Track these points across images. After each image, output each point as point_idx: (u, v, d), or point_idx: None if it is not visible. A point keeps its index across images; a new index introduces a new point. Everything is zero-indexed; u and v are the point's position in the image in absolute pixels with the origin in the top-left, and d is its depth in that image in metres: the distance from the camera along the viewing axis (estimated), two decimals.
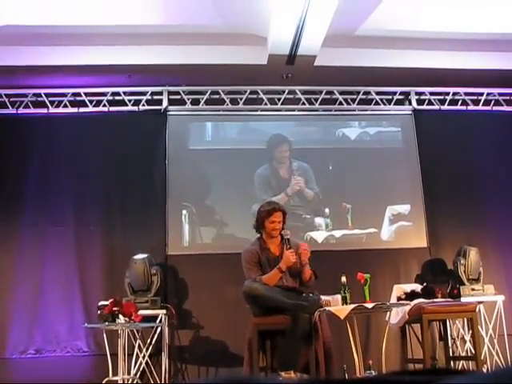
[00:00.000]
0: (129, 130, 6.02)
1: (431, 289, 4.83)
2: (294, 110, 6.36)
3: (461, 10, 5.17)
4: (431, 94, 6.40)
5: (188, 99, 6.18)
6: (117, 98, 6.09)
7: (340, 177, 6.20)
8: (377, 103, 6.38)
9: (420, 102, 6.41)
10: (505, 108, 6.46)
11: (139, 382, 4.88)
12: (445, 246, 5.89)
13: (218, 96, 6.22)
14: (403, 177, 6.27)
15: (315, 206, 6.03)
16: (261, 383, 0.76)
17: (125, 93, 6.08)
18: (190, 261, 5.65)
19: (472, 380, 0.60)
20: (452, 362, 5.03)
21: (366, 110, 6.42)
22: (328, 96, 6.33)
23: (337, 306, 3.97)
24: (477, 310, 4.62)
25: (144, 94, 6.11)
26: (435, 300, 4.64)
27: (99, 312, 4.50)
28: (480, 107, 6.42)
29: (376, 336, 5.28)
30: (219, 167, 6.10)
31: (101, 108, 6.04)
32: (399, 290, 4.85)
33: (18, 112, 5.97)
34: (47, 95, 5.99)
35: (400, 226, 6.04)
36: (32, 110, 5.99)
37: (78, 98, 6.04)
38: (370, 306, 3.92)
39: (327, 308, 3.93)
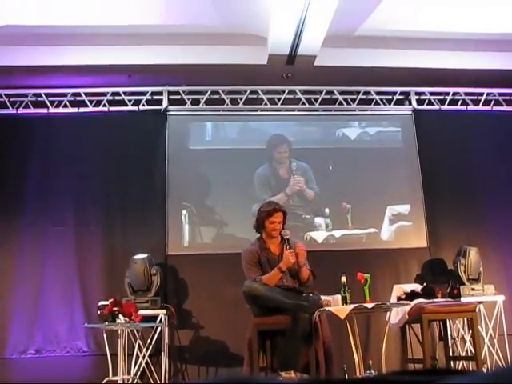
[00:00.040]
0: (129, 130, 6.02)
1: (431, 289, 4.83)
2: (293, 110, 6.36)
3: (461, 9, 5.17)
4: (431, 93, 6.40)
5: (188, 99, 6.18)
6: (117, 98, 6.09)
7: (340, 177, 6.20)
8: (377, 103, 6.38)
9: (420, 101, 6.41)
10: (505, 108, 6.46)
11: (139, 382, 4.88)
12: (445, 246, 5.89)
13: (218, 96, 6.22)
14: (403, 177, 6.27)
15: (315, 205, 6.03)
16: (261, 383, 0.76)
17: (125, 93, 6.08)
18: (190, 261, 5.65)
19: (472, 380, 0.60)
20: (452, 362, 5.03)
21: (366, 110, 6.42)
22: (328, 96, 6.33)
23: (337, 305, 3.97)
24: (477, 309, 4.62)
25: (144, 93, 6.11)
26: (435, 300, 4.64)
27: (99, 312, 4.50)
28: (480, 107, 6.42)
29: (376, 336, 5.28)
30: (219, 167, 6.10)
31: (101, 108, 6.05)
32: (399, 289, 4.85)
33: (18, 112, 5.97)
34: (47, 95, 5.99)
35: (400, 225, 6.04)
36: (32, 110, 5.99)
37: (78, 98, 6.04)
38: (370, 306, 3.92)
39: (327, 308, 3.93)
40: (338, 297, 4.02)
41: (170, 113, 6.13)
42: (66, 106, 6.02)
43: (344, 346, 4.44)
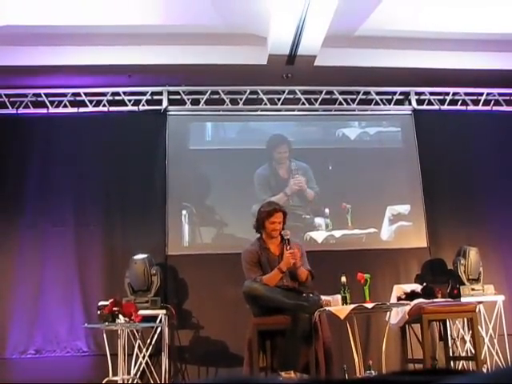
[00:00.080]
0: (129, 130, 6.01)
1: (431, 289, 4.83)
2: (293, 110, 6.36)
3: (461, 9, 5.17)
4: (431, 94, 6.40)
5: (188, 99, 6.18)
6: (117, 98, 6.09)
7: (340, 177, 6.20)
8: (377, 103, 6.38)
9: (420, 102, 6.41)
10: (505, 108, 6.46)
11: (139, 382, 4.88)
12: (445, 246, 5.89)
13: (217, 96, 6.22)
14: (403, 177, 6.27)
15: (315, 206, 6.03)
16: (261, 383, 0.76)
17: (125, 93, 6.08)
18: (190, 261, 5.65)
19: (472, 380, 0.60)
20: (452, 362, 5.03)
21: (366, 110, 6.42)
22: (328, 96, 6.33)
23: (337, 306, 3.97)
24: (477, 310, 4.62)
25: (144, 94, 6.11)
26: (435, 300, 4.64)
27: (99, 312, 4.50)
28: (480, 107, 6.42)
29: (376, 336, 5.28)
30: (219, 167, 6.10)
31: (101, 108, 6.04)
32: (399, 290, 4.85)
33: (18, 112, 5.96)
34: (47, 95, 5.99)
35: (400, 226, 6.04)
36: (32, 110, 5.99)
37: (78, 98, 6.04)
38: (369, 306, 3.92)
39: (327, 308, 3.93)
40: (338, 297, 4.02)
41: (169, 113, 6.13)
42: (65, 106, 6.02)
43: (344, 346, 4.44)
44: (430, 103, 6.41)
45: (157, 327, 5.09)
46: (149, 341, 5.12)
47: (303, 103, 6.30)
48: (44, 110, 5.98)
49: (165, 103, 6.09)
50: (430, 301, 4.55)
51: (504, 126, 6.34)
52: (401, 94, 6.39)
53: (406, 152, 6.34)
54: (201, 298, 5.55)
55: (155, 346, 5.14)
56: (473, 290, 5.25)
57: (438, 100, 6.42)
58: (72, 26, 5.12)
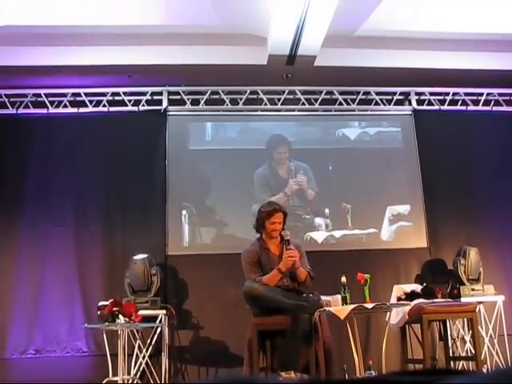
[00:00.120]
0: (129, 131, 6.01)
1: (431, 289, 4.83)
2: (293, 111, 6.36)
3: (461, 9, 5.17)
4: (431, 94, 6.40)
5: (188, 99, 6.19)
6: (117, 98, 6.09)
7: (340, 177, 6.20)
8: (377, 103, 6.38)
9: (420, 102, 6.41)
10: (505, 108, 6.46)
11: (139, 382, 4.88)
12: (445, 246, 5.89)
13: (217, 96, 6.22)
14: (403, 177, 6.27)
15: (315, 206, 6.03)
16: (261, 383, 0.76)
17: (125, 93, 6.08)
18: (190, 261, 5.65)
19: (472, 380, 0.60)
20: (452, 363, 5.03)
21: (366, 111, 6.42)
22: (328, 96, 6.33)
23: (337, 306, 3.96)
24: (477, 310, 4.61)
25: (144, 94, 6.11)
26: (435, 300, 4.64)
27: (99, 312, 4.50)
28: (480, 107, 6.42)
29: (376, 336, 5.28)
30: (219, 167, 6.10)
31: (101, 108, 6.04)
32: (399, 290, 4.85)
33: (18, 112, 5.96)
34: (47, 95, 5.99)
35: (400, 226, 6.04)
36: (32, 110, 5.99)
37: (78, 99, 6.04)
38: (370, 306, 3.92)
39: (327, 308, 3.93)
40: (338, 297, 4.02)
41: (169, 113, 6.13)
42: (65, 106, 6.02)
43: (344, 347, 4.44)
44: (430, 103, 6.41)
45: (157, 327, 5.09)
46: (149, 341, 5.12)
47: (303, 103, 6.30)
48: (44, 110, 5.98)
49: (165, 103, 6.09)
50: (430, 301, 4.55)
51: (504, 126, 6.34)
52: (401, 94, 6.39)
53: (406, 152, 6.34)
54: (201, 298, 5.55)
55: (155, 346, 5.14)
56: (473, 290, 5.25)
57: (438, 100, 6.42)
58: (72, 26, 5.12)
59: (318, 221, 5.98)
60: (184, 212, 5.89)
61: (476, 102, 6.44)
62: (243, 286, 4.02)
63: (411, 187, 6.17)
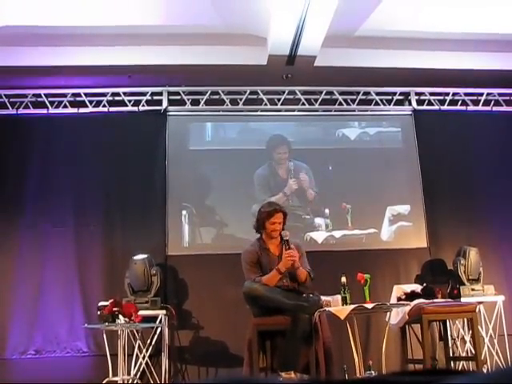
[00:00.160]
0: (129, 131, 6.01)
1: (431, 289, 4.83)
2: (293, 111, 6.36)
3: (461, 9, 5.17)
4: (431, 94, 6.40)
5: (188, 99, 6.18)
6: (117, 98, 6.09)
7: (340, 177, 6.20)
8: (377, 103, 6.38)
9: (420, 102, 6.41)
10: (505, 108, 6.46)
11: (139, 382, 4.88)
12: (445, 247, 5.88)
13: (217, 96, 6.22)
14: (403, 177, 6.27)
15: (315, 206, 6.03)
16: (261, 383, 0.76)
17: (125, 93, 6.08)
18: (190, 261, 5.65)
19: (472, 380, 0.60)
20: (452, 363, 5.03)
21: (366, 111, 6.42)
22: (328, 96, 6.33)
23: (337, 306, 3.97)
24: (477, 310, 4.61)
25: (144, 94, 6.11)
26: (435, 300, 4.64)
27: (99, 312, 4.50)
28: (480, 107, 6.42)
29: (376, 336, 5.28)
30: (219, 167, 6.10)
31: (101, 108, 6.04)
32: (399, 290, 4.85)
33: (18, 112, 5.96)
34: (47, 96, 5.99)
35: (400, 226, 6.04)
36: (32, 111, 5.99)
37: (78, 99, 6.04)
38: (370, 306, 3.92)
39: (327, 308, 3.93)
40: (338, 297, 4.02)
41: (169, 113, 6.13)
42: (65, 106, 6.02)
43: (344, 347, 4.43)
44: (430, 103, 6.41)
45: (157, 327, 5.09)
46: (149, 341, 5.12)
47: (303, 103, 6.30)
48: (44, 111, 5.98)
49: (165, 103, 6.09)
50: (430, 301, 4.55)
51: (504, 126, 6.34)
52: (401, 94, 6.39)
53: (406, 152, 6.34)
54: (201, 299, 5.55)
55: (155, 346, 5.14)
56: (473, 290, 5.25)
57: (438, 100, 6.42)
58: (72, 27, 5.12)
59: (318, 221, 5.98)
60: (184, 212, 5.89)
61: (476, 102, 6.44)
62: (243, 286, 4.02)
63: (411, 187, 6.17)
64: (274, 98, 6.29)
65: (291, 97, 6.30)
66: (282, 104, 6.29)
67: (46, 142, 5.90)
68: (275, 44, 5.32)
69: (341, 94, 6.33)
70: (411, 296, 4.68)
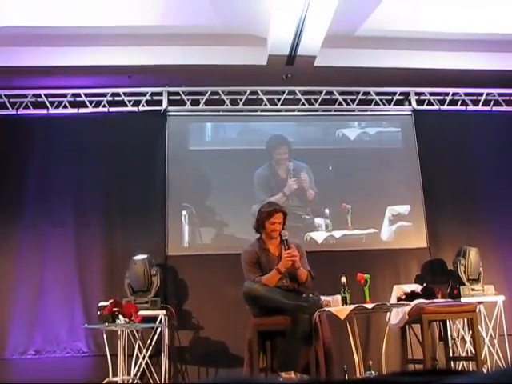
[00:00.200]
0: (129, 131, 6.01)
1: (431, 289, 4.83)
2: (293, 111, 6.36)
3: (461, 9, 5.17)
4: (431, 94, 6.40)
5: (188, 100, 6.18)
6: (116, 98, 6.09)
7: (340, 177, 6.20)
8: (376, 103, 6.38)
9: (420, 102, 6.41)
10: (504, 108, 6.46)
11: (139, 382, 4.88)
12: (445, 247, 5.88)
13: (217, 96, 6.22)
14: (403, 177, 6.26)
15: (315, 206, 6.03)
16: None
17: (124, 93, 6.08)
18: (190, 261, 5.65)
19: (472, 380, 0.60)
20: (452, 363, 5.03)
21: (366, 111, 6.42)
22: (328, 96, 6.33)
23: (337, 306, 3.96)
24: (477, 310, 4.61)
25: (144, 94, 6.11)
26: (435, 300, 4.64)
27: (99, 313, 4.50)
28: (480, 107, 6.42)
29: (376, 336, 5.27)
30: (219, 168, 6.10)
31: (101, 109, 6.04)
32: (399, 290, 4.85)
33: (18, 113, 5.96)
34: (47, 96, 5.99)
35: (400, 226, 6.04)
36: (32, 111, 5.99)
37: (78, 99, 6.04)
38: (370, 306, 3.92)
39: (327, 308, 3.92)
40: (338, 297, 4.02)
41: (169, 113, 6.13)
42: (65, 106, 6.02)
43: (344, 347, 4.43)
44: (429, 103, 6.41)
45: (157, 328, 5.09)
46: (149, 341, 5.11)
47: (303, 104, 6.30)
48: (44, 111, 5.98)
49: (165, 104, 6.09)
50: (430, 301, 4.55)
51: (504, 126, 6.34)
52: (401, 94, 6.39)
53: (405, 152, 6.34)
54: (201, 299, 5.55)
55: (155, 346, 5.14)
56: (473, 290, 5.25)
57: (438, 100, 6.42)
58: (72, 27, 5.12)
59: (318, 221, 5.98)
60: (184, 212, 5.89)
61: (476, 102, 6.44)
62: (243, 286, 4.02)
63: (411, 187, 6.17)
64: (273, 98, 6.29)
65: (291, 97, 6.30)
66: (281, 104, 6.29)
67: (46, 143, 5.90)
68: (275, 44, 5.32)
69: (341, 94, 6.33)
70: (411, 296, 4.68)
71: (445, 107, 6.39)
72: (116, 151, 5.91)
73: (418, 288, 4.87)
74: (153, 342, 5.12)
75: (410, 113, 6.40)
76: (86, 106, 6.02)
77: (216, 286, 5.46)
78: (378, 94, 6.36)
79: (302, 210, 6.00)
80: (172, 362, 5.31)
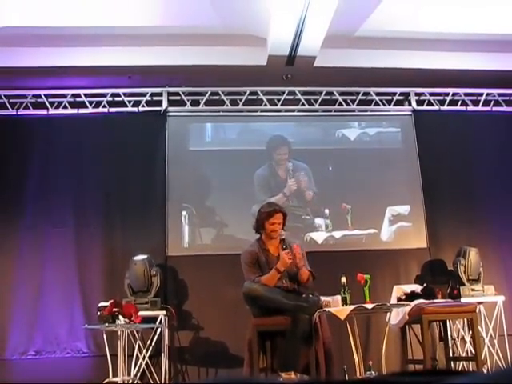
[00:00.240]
0: (128, 131, 6.01)
1: (431, 289, 4.83)
2: (293, 111, 6.36)
3: (461, 9, 5.17)
4: (431, 94, 6.40)
5: (188, 100, 6.18)
6: (116, 99, 6.09)
7: (340, 177, 6.20)
8: (376, 104, 6.38)
9: (420, 102, 6.41)
10: (504, 108, 6.46)
11: (139, 382, 4.88)
12: (445, 247, 5.88)
13: (217, 97, 6.22)
14: (403, 177, 6.26)
15: (315, 206, 6.03)
16: None
17: (124, 94, 6.08)
18: (190, 262, 5.65)
19: (472, 380, 0.60)
20: (452, 363, 5.03)
21: (366, 111, 6.42)
22: (328, 97, 6.33)
23: (337, 306, 3.96)
24: (477, 310, 4.61)
25: (144, 95, 6.11)
26: (435, 300, 4.64)
27: (99, 313, 4.49)
28: (479, 108, 6.42)
29: (376, 337, 5.27)
30: (219, 168, 6.10)
31: (100, 109, 6.04)
32: (399, 290, 4.85)
33: (18, 113, 5.96)
34: (47, 96, 5.99)
35: (400, 226, 6.04)
36: (32, 111, 5.99)
37: (78, 99, 6.04)
38: (370, 306, 3.92)
39: (327, 309, 3.93)
40: (338, 297, 4.02)
41: (169, 114, 6.13)
42: (65, 107, 6.02)
43: (344, 347, 4.43)
44: (429, 104, 6.41)
45: (157, 328, 5.08)
46: (149, 342, 5.11)
47: (303, 104, 6.30)
48: (44, 111, 5.98)
49: (165, 104, 6.09)
50: (430, 301, 4.55)
51: (504, 126, 6.34)
52: (400, 94, 6.39)
53: (405, 152, 6.34)
54: (201, 299, 5.55)
55: (155, 346, 5.14)
56: (473, 290, 5.25)
57: (438, 100, 6.42)
58: (72, 28, 5.12)
59: (318, 221, 5.98)
60: (184, 213, 5.89)
61: (476, 103, 6.44)
62: (243, 286, 4.02)
63: (411, 187, 6.17)
64: (273, 99, 6.29)
65: (291, 97, 6.30)
66: (281, 104, 6.29)
67: (46, 143, 5.90)
68: (275, 44, 5.32)
69: (341, 94, 6.33)
70: (411, 296, 4.68)
71: (445, 107, 6.39)
72: (116, 151, 5.91)
73: (418, 288, 4.87)
74: (153, 343, 5.12)
75: (409, 113, 6.40)
76: (86, 107, 6.02)
77: (216, 286, 5.46)
78: (377, 94, 6.36)
79: (302, 210, 6.00)
80: (172, 362, 5.31)
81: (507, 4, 5.11)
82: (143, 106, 6.11)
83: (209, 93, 6.18)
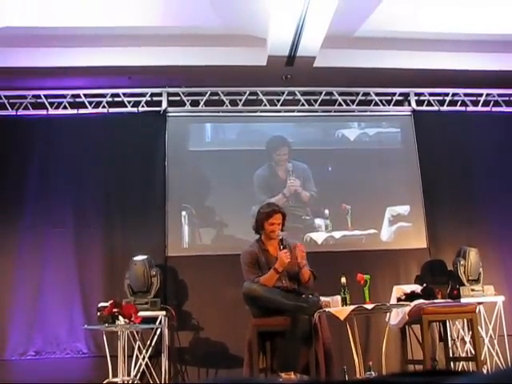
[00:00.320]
0: (128, 132, 6.01)
1: (431, 289, 4.83)
2: (293, 111, 6.36)
3: (461, 10, 5.17)
4: (430, 94, 6.40)
5: (187, 100, 6.18)
6: (116, 99, 6.09)
7: (339, 178, 6.20)
8: (376, 104, 6.38)
9: (419, 102, 6.41)
10: (504, 109, 6.46)
11: (139, 383, 4.88)
12: (444, 247, 5.88)
13: (217, 97, 6.22)
14: (403, 177, 6.26)
15: (315, 207, 6.03)
16: None
17: (124, 94, 6.08)
18: (190, 262, 5.65)
19: (472, 381, 0.60)
20: (452, 363, 5.03)
21: (366, 111, 6.42)
22: (327, 97, 6.33)
23: (337, 307, 3.97)
24: (477, 310, 4.61)
25: (143, 95, 6.11)
26: (435, 301, 4.64)
27: (99, 313, 4.49)
28: (479, 108, 6.42)
29: (376, 337, 5.27)
30: (219, 168, 6.10)
31: (100, 109, 6.04)
32: (399, 290, 4.85)
33: (18, 113, 5.96)
34: (46, 97, 5.99)
35: (400, 226, 6.04)
36: (31, 112, 5.99)
37: (78, 100, 6.04)
38: (369, 306, 3.92)
39: (327, 309, 3.93)
40: (338, 298, 4.02)
41: (169, 114, 6.13)
42: (65, 107, 6.02)
43: (344, 347, 4.43)
44: (429, 104, 6.41)
45: (156, 328, 5.08)
46: (149, 342, 5.11)
47: (303, 104, 6.30)
48: (44, 112, 5.98)
49: (164, 104, 6.09)
50: (430, 301, 4.55)
51: (503, 126, 6.34)
52: (400, 94, 6.39)
53: (405, 153, 6.34)
54: (201, 300, 5.55)
55: (155, 347, 5.14)
56: (473, 290, 5.25)
57: (438, 101, 6.42)
58: (71, 28, 5.12)
59: (318, 222, 5.97)
60: (184, 213, 5.89)
61: (475, 103, 6.44)
62: (242, 287, 4.02)
63: (411, 188, 6.17)
64: (273, 99, 6.29)
65: (291, 97, 6.30)
66: (281, 105, 6.29)
67: (46, 143, 5.90)
68: (275, 45, 5.32)
69: (340, 94, 6.33)
70: (411, 296, 4.68)
71: (444, 108, 6.39)
72: (116, 152, 5.91)
73: (417, 288, 4.87)
74: (153, 343, 5.12)
75: (409, 113, 6.40)
76: (86, 107, 6.02)
77: (216, 286, 5.46)
78: (377, 94, 6.36)
79: (302, 210, 5.99)
80: (172, 362, 5.30)
81: (507, 4, 5.12)
82: (143, 107, 6.11)
83: (208, 93, 6.18)
